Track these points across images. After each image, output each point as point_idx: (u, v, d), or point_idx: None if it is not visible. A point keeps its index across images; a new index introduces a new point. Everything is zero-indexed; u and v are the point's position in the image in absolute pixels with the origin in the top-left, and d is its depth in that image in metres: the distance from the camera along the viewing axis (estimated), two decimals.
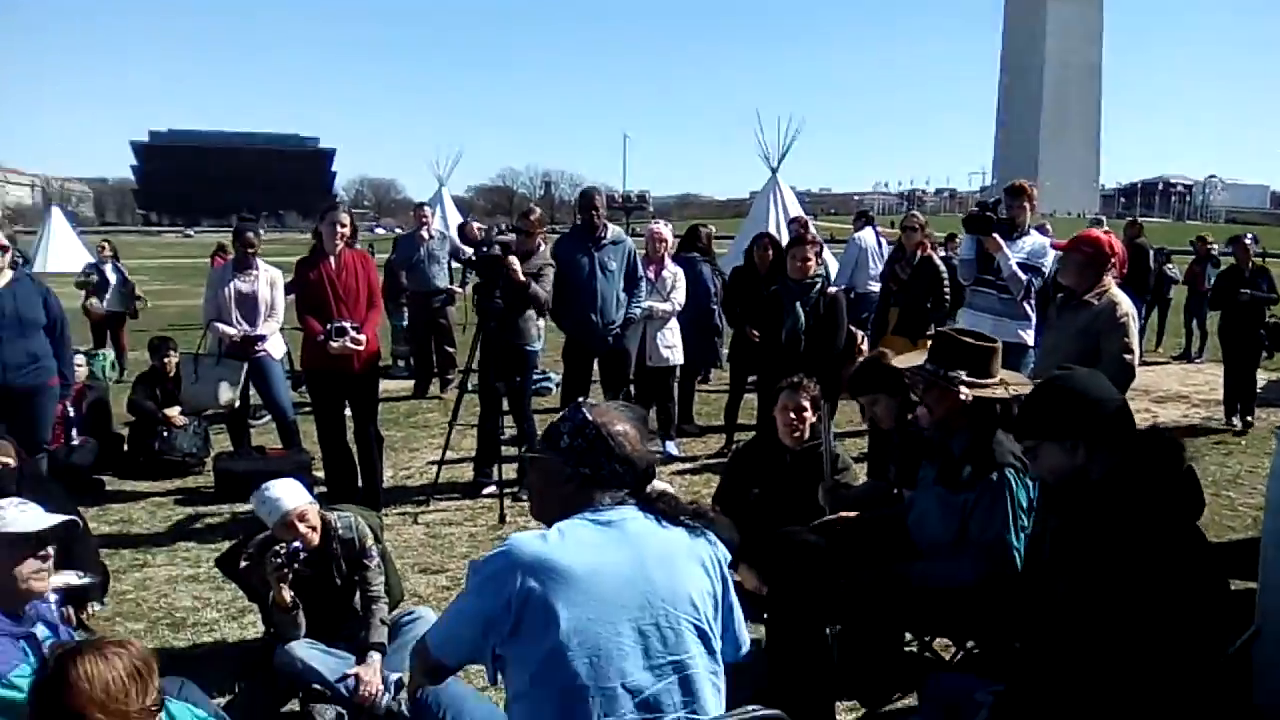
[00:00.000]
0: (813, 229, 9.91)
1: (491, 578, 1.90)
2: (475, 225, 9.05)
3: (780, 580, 3.63)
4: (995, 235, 5.65)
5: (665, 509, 2.06)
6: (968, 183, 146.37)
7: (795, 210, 17.14)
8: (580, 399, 2.24)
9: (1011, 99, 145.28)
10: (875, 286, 9.58)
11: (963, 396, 3.21)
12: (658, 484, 2.16)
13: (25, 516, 2.65)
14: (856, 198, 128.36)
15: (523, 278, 5.92)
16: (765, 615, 3.95)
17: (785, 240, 8.20)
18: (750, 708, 2.05)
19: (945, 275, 7.59)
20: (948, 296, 7.60)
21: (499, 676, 1.97)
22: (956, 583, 3.19)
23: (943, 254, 9.87)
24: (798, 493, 4.49)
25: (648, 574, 1.96)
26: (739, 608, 2.18)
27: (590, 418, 2.08)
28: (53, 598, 3.06)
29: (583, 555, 1.92)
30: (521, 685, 1.91)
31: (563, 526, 1.99)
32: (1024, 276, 5.64)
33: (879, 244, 10.13)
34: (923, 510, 3.47)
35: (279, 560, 3.53)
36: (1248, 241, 9.16)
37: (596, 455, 2.04)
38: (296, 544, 3.56)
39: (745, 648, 2.22)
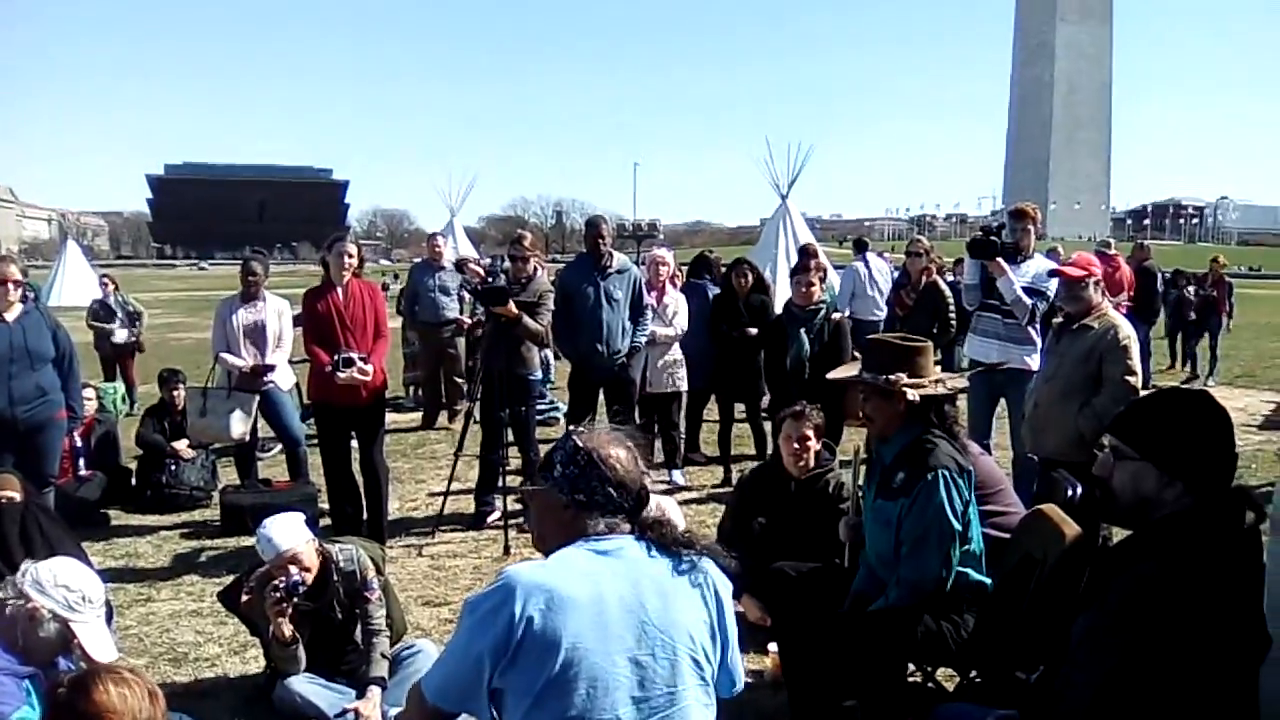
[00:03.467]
0: (821, 255, 9.97)
1: (492, 611, 1.87)
2: (473, 265, 9.09)
3: (786, 616, 3.60)
4: (999, 259, 5.65)
5: (659, 537, 2.05)
6: (977, 206, 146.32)
7: (805, 237, 17.19)
8: (571, 427, 2.23)
9: (1022, 121, 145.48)
10: (876, 314, 9.64)
11: (910, 397, 3.17)
12: (661, 503, 2.13)
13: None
14: (867, 223, 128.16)
15: (515, 311, 5.90)
16: (769, 646, 3.93)
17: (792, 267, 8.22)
18: None
19: (950, 300, 7.59)
20: (953, 321, 7.60)
21: (495, 715, 1.93)
22: (896, 603, 3.17)
23: (950, 279, 9.92)
24: (803, 522, 4.47)
25: (644, 603, 1.94)
26: (736, 641, 2.15)
27: (581, 444, 2.07)
28: None
29: (582, 583, 1.90)
30: (517, 717, 1.88)
31: (561, 555, 1.98)
32: (1028, 301, 5.62)
33: (870, 270, 10.23)
34: (866, 528, 3.46)
35: (278, 594, 3.54)
36: None
37: (589, 481, 2.03)
38: (296, 578, 3.56)
39: (739, 685, 2.20)
